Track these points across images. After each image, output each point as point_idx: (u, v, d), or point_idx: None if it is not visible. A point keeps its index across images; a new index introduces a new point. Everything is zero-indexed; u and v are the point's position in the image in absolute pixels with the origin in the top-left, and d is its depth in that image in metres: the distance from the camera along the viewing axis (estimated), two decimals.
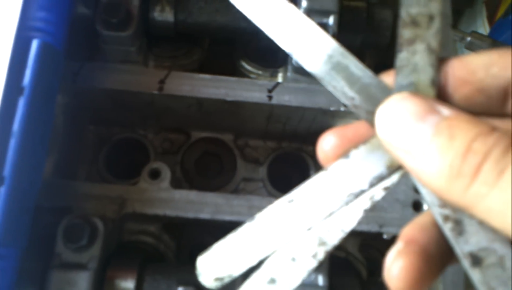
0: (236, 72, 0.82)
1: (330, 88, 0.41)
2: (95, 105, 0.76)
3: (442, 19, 0.38)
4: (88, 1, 0.71)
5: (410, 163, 0.32)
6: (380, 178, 0.35)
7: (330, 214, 0.36)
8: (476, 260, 0.30)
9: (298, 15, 0.41)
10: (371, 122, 0.36)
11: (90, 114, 0.80)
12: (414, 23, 0.36)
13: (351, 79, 0.39)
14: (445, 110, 0.31)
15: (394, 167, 0.35)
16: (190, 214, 0.69)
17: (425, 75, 0.35)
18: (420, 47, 0.36)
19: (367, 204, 0.36)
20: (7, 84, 0.56)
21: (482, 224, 0.31)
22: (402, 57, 0.36)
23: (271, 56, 0.80)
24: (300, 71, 0.74)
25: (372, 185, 0.36)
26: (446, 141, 0.30)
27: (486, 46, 1.14)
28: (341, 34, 0.73)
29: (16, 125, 0.55)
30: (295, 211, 0.36)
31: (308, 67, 0.39)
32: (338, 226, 0.36)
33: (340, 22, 0.72)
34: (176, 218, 0.69)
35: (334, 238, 0.36)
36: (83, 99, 0.74)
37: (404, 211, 0.70)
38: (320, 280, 0.63)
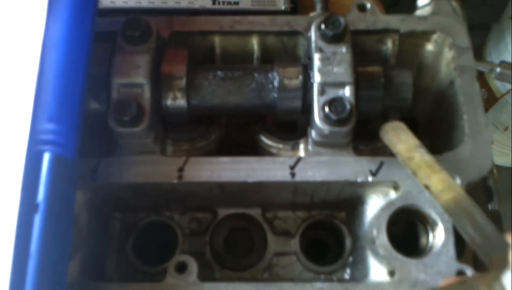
0: (256, 145, 0.79)
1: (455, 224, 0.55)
2: (118, 197, 0.75)
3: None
4: (100, 97, 0.71)
5: None
6: None
7: None
8: None
9: None
10: (487, 261, 0.47)
11: (114, 203, 0.79)
12: None
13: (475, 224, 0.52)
14: None
15: None
16: None
17: None
18: None
19: None
20: (22, 202, 0.55)
21: None
22: None
23: (290, 128, 0.77)
24: (321, 143, 0.71)
25: None
26: None
27: None
28: (360, 103, 0.70)
29: (33, 246, 0.55)
30: None
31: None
32: None
33: (357, 91, 0.70)
34: None
35: None
36: (104, 193, 0.73)
37: None
38: None
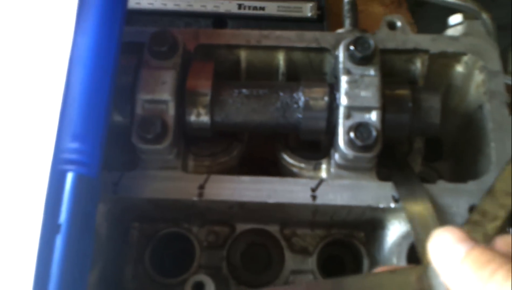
0: (278, 163, 0.79)
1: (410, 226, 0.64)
2: (137, 208, 0.75)
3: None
4: (123, 111, 0.70)
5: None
6: None
7: None
8: None
9: None
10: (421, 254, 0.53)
11: (133, 215, 0.79)
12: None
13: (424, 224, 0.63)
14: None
15: None
16: None
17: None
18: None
19: None
20: (44, 223, 0.55)
21: None
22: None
23: (313, 147, 0.77)
24: (344, 167, 0.70)
25: None
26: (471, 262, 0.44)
27: None
28: (387, 127, 0.69)
29: (54, 266, 0.55)
30: None
31: None
32: None
33: (384, 115, 0.68)
34: None
35: None
36: (124, 205, 0.73)
37: None
38: None
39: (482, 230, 0.51)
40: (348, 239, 0.82)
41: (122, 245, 0.80)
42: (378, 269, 0.59)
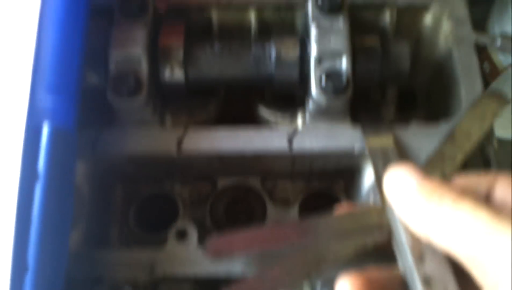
0: (255, 116, 0.80)
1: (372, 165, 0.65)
2: (119, 168, 0.76)
3: None
4: (98, 69, 0.71)
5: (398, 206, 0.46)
6: None
7: None
8: (428, 281, 0.43)
9: None
10: (381, 195, 0.51)
11: (115, 175, 0.80)
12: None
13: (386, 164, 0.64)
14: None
15: None
16: (221, 272, 0.68)
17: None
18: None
19: None
20: (22, 173, 0.57)
21: (439, 257, 0.44)
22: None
23: (288, 99, 0.78)
24: (318, 115, 0.72)
25: None
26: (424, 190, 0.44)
27: None
28: (358, 74, 0.71)
29: (35, 213, 0.56)
30: None
31: None
32: None
33: (354, 62, 0.70)
34: (207, 277, 0.68)
35: None
36: (105, 165, 0.75)
37: None
38: None
39: (440, 171, 0.52)
40: (328, 188, 0.84)
41: (106, 207, 0.82)
42: (340, 208, 0.60)
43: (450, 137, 0.56)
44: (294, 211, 0.82)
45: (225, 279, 0.68)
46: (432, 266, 0.44)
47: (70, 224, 0.62)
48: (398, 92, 0.84)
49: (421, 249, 0.45)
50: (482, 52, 1.35)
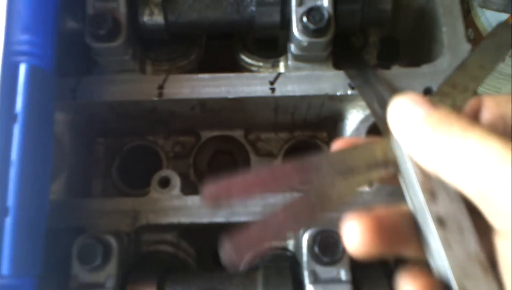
0: (237, 66, 0.79)
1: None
2: (100, 118, 0.75)
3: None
4: (76, 15, 0.70)
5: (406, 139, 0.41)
6: None
7: None
8: (441, 222, 0.39)
9: None
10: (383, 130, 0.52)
11: (97, 127, 0.79)
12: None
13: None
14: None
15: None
16: (205, 219, 0.67)
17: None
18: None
19: None
20: (0, 113, 0.55)
21: (451, 195, 0.40)
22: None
23: (270, 46, 0.77)
24: (301, 58, 0.71)
25: None
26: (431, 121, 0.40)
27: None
28: (339, 15, 0.70)
29: (14, 154, 0.55)
30: None
31: None
32: None
33: (336, 3, 0.69)
34: (190, 224, 0.67)
35: None
36: (86, 114, 0.73)
37: None
38: (343, 274, 0.61)
39: (451, 101, 0.47)
40: (312, 139, 0.83)
41: (88, 159, 0.80)
42: (338, 142, 0.58)
43: (463, 67, 0.52)
44: (278, 163, 0.81)
45: (209, 225, 0.67)
46: (445, 205, 0.40)
47: (50, 168, 0.61)
48: (381, 40, 0.83)
49: (432, 187, 0.41)
50: (466, 18, 1.36)
